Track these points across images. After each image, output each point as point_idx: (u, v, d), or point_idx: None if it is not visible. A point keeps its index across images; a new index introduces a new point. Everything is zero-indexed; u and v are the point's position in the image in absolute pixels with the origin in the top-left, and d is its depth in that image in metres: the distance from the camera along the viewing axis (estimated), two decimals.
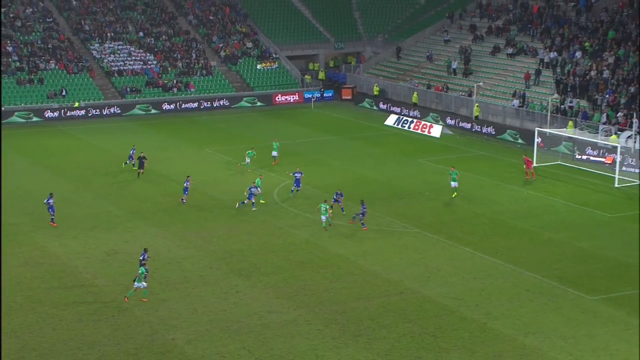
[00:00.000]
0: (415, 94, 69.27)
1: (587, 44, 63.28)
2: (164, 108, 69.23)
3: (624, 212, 40.95)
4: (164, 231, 37.78)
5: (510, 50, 69.23)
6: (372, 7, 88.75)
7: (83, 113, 66.76)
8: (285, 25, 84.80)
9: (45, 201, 38.30)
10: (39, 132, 61.26)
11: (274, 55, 79.24)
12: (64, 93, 67.91)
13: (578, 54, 62.93)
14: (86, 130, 62.16)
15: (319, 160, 52.26)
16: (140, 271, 29.90)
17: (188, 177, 42.49)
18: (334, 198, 40.11)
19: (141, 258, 31.12)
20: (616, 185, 45.69)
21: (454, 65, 71.21)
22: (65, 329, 27.39)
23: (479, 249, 35.34)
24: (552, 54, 64.65)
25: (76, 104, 67.30)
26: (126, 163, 48.97)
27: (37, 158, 52.60)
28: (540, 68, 64.65)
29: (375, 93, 73.47)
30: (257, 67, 77.57)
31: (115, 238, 36.79)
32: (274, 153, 50.03)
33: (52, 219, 38.19)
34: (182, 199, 42.04)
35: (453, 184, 42.45)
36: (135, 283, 29.60)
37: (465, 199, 43.05)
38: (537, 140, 51.81)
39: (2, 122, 63.11)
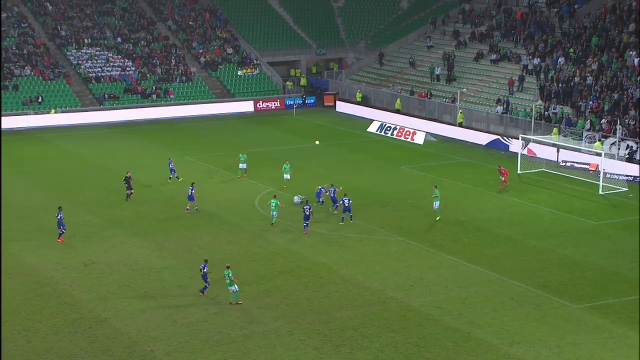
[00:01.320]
0: (398, 100, 69.54)
1: (570, 50, 63.88)
2: (143, 114, 69.02)
3: (609, 220, 41.30)
4: (143, 240, 37.60)
5: (493, 56, 69.73)
6: (354, 12, 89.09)
7: (59, 120, 66.32)
8: (266, 31, 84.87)
9: (56, 215, 37.17)
10: (14, 139, 60.74)
11: (255, 62, 79.27)
12: (40, 100, 67.48)
13: (561, 60, 63.51)
14: (63, 137, 61.78)
15: (300, 167, 52.23)
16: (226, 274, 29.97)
17: (193, 184, 42.52)
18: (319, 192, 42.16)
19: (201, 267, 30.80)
20: (600, 192, 46.07)
21: (437, 71, 71.59)
22: (40, 341, 27.15)
23: (462, 257, 35.48)
24: (536, 60, 65.20)
25: (52, 111, 66.88)
26: (170, 177, 47.64)
27: (12, 166, 52.16)
28: (524, 74, 65.16)
29: (358, 99, 73.69)
30: (238, 73, 77.56)
31: (93, 248, 36.56)
32: (286, 176, 46.14)
33: (61, 234, 37.07)
34: (187, 208, 41.74)
35: (436, 204, 40.59)
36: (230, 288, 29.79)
37: (448, 207, 43.20)
38: (520, 144, 52.14)
39: None
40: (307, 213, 38.17)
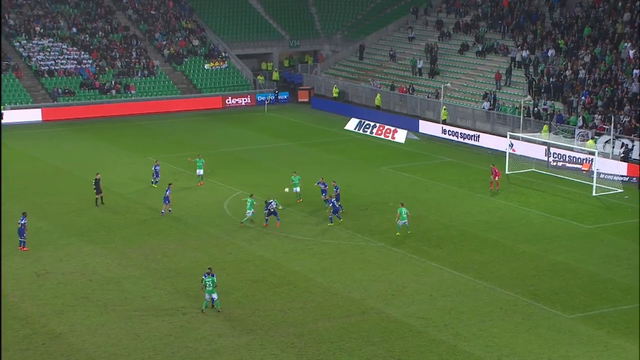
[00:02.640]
0: (378, 96, 69.77)
1: (561, 41, 64.49)
2: (101, 111, 68.56)
3: (603, 223, 41.71)
4: (102, 248, 37.32)
5: (479, 48, 70.20)
6: (330, 1, 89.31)
7: (8, 118, 65.62)
8: (235, 21, 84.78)
9: (19, 221, 36.73)
10: None
11: (223, 54, 79.08)
12: None
13: (552, 52, 64.10)
14: (11, 136, 61.11)
15: (272, 168, 52.21)
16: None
17: (170, 184, 42.54)
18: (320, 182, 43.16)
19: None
20: (594, 194, 46.53)
21: (420, 64, 71.94)
22: None
23: (447, 264, 35.63)
24: (524, 52, 65.75)
25: (1, 108, 66.11)
26: (152, 182, 46.83)
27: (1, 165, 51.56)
28: (512, 67, 65.68)
29: (335, 95, 73.81)
30: (205, 66, 77.34)
31: (47, 256, 36.21)
32: (296, 189, 44.03)
33: (21, 242, 36.67)
34: (163, 211, 41.77)
35: (402, 222, 38.46)
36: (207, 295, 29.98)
37: (432, 210, 43.40)
38: (508, 143, 52.53)
39: None
40: (272, 209, 39.51)
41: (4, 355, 27.12)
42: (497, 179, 47.08)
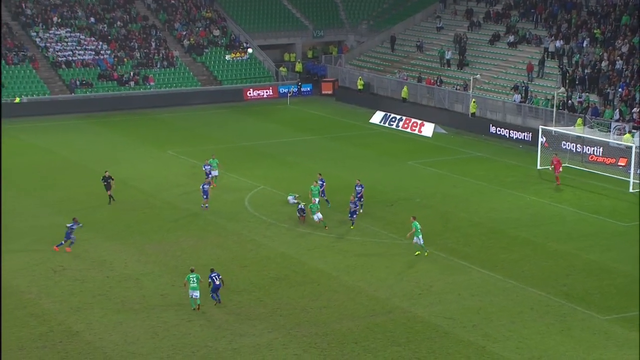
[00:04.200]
0: (405, 88, 69.59)
1: (597, 31, 63.94)
2: (119, 103, 69.05)
3: None
4: (119, 244, 37.61)
5: (511, 39, 69.80)
6: None
7: (25, 110, 66.27)
8: (257, 11, 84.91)
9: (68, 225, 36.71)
10: None
11: (244, 45, 79.27)
12: None
13: (587, 42, 63.57)
14: (29, 129, 61.71)
15: (296, 162, 52.29)
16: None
17: (207, 178, 42.80)
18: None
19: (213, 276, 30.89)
20: (631, 190, 46.15)
21: (448, 55, 71.65)
22: (3, 358, 27.11)
23: (476, 262, 35.53)
24: (558, 43, 65.26)
25: (17, 100, 66.81)
26: (213, 186, 44.97)
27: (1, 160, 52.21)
28: (545, 58, 65.23)
29: (360, 87, 73.75)
30: (226, 57, 77.59)
31: (64, 253, 36.49)
32: (315, 200, 41.31)
33: (62, 243, 36.52)
34: (202, 205, 41.99)
35: (416, 239, 35.96)
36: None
37: (460, 206, 43.27)
38: (541, 139, 52.24)
39: None
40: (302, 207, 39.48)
41: (21, 353, 27.42)
42: (560, 170, 46.84)
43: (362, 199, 41.41)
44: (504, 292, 32.49)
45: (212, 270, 31.04)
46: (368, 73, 75.65)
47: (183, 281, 31.01)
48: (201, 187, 42.44)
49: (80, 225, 36.99)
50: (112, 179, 43.36)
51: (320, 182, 42.53)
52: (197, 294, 30.32)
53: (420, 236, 35.70)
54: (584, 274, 34.39)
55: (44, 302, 31.40)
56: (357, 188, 41.43)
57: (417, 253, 35.93)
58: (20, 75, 69.55)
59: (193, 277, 30.48)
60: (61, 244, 36.57)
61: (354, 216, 39.51)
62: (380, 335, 28.71)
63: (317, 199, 40.86)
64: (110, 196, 43.27)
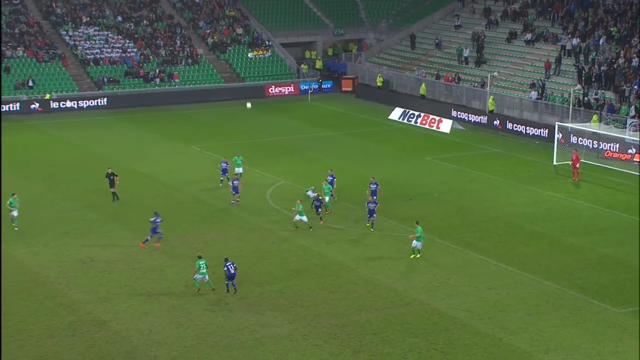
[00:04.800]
0: (423, 85, 69.38)
1: (613, 29, 63.40)
2: (145, 100, 69.36)
3: None
4: (145, 236, 37.71)
5: (528, 37, 69.37)
6: None
7: (55, 106, 66.73)
8: (279, 9, 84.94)
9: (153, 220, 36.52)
10: (4, 126, 61.18)
11: (266, 43, 79.33)
12: (30, 83, 67.83)
13: (603, 40, 63.05)
14: (58, 124, 62.12)
15: (316, 158, 52.30)
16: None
17: (235, 175, 42.63)
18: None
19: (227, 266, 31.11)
20: None
21: (466, 53, 71.35)
22: (34, 346, 27.34)
23: (493, 255, 35.39)
24: (575, 41, 64.77)
25: (47, 96, 67.28)
26: (222, 181, 45.17)
27: (2, 156, 52.52)
28: (562, 56, 64.78)
29: (379, 84, 73.60)
30: (248, 55, 77.69)
31: (91, 244, 36.74)
32: (327, 198, 40.94)
33: (148, 239, 36.20)
34: (237, 200, 41.93)
35: (415, 243, 34.94)
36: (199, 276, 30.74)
37: (478, 201, 43.12)
38: (557, 136, 51.91)
39: None
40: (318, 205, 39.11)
41: (51, 341, 27.65)
42: (578, 165, 46.55)
43: (376, 197, 40.43)
44: (520, 285, 32.34)
45: (226, 260, 31.27)
46: (387, 70, 75.48)
47: (194, 269, 31.36)
48: (230, 183, 42.34)
49: (161, 219, 36.50)
50: (116, 176, 42.62)
51: (331, 178, 42.33)
52: (206, 277, 30.93)
53: (421, 242, 34.71)
54: (599, 268, 34.17)
55: (73, 293, 31.62)
56: (371, 186, 40.82)
57: (412, 256, 34.80)
58: (51, 73, 70.02)
59: (202, 264, 30.95)
60: (147, 240, 36.22)
61: (373, 215, 38.43)
62: (399, 326, 28.68)
63: (327, 198, 40.58)
64: (114, 193, 42.56)
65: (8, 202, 38.16)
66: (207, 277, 31.12)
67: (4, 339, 27.77)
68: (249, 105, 34.91)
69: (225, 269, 30.96)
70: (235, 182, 42.09)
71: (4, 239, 37.19)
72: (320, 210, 39.30)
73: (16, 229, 37.92)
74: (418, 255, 34.77)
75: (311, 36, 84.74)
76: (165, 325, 28.77)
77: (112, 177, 42.48)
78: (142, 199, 43.47)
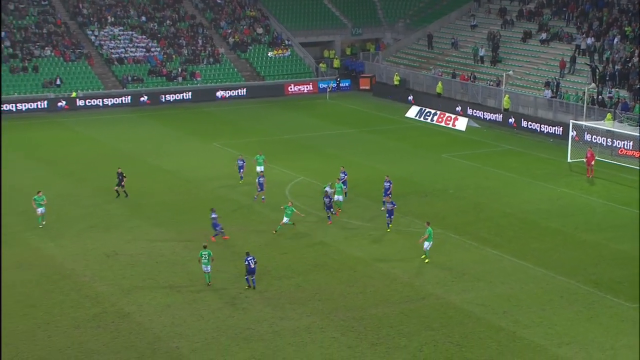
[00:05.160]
0: (439, 84, 69.13)
1: (627, 28, 62.84)
2: (167, 98, 69.59)
3: None
4: (167, 231, 37.91)
5: (543, 36, 68.91)
6: None
7: (81, 103, 67.10)
8: (298, 10, 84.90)
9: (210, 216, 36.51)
10: (32, 124, 61.65)
11: (286, 42, 79.32)
12: (58, 82, 68.23)
13: (617, 40, 62.52)
14: (84, 122, 62.47)
15: (334, 155, 52.26)
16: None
17: (261, 172, 42.50)
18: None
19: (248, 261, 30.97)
20: None
21: (482, 52, 71.00)
22: (61, 336, 27.54)
23: (507, 251, 35.22)
24: (589, 40, 64.27)
25: (73, 94, 67.67)
26: (242, 178, 44.95)
27: (30, 152, 52.94)
28: (576, 55, 64.32)
29: (396, 83, 73.40)
30: (268, 54, 77.72)
31: (115, 238, 36.92)
32: (338, 198, 40.21)
33: (217, 234, 36.17)
34: (262, 198, 41.61)
35: (427, 244, 33.97)
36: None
37: (493, 198, 42.93)
38: (571, 134, 51.56)
39: None
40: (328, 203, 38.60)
41: (77, 332, 27.82)
42: (593, 163, 46.23)
43: (391, 195, 39.93)
44: (534, 280, 32.18)
45: (247, 254, 31.18)
46: (404, 69, 75.26)
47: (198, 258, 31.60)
48: (257, 180, 42.09)
49: (217, 215, 36.49)
50: (125, 177, 42.31)
51: (343, 175, 41.94)
52: (208, 268, 31.01)
53: (431, 242, 33.67)
54: (613, 264, 33.92)
55: (98, 285, 31.79)
56: (385, 184, 40.42)
57: (424, 258, 33.83)
58: (77, 71, 70.39)
59: (205, 254, 31.04)
60: (217, 234, 36.22)
61: (392, 216, 37.51)
62: (415, 320, 28.62)
63: (340, 197, 39.87)
64: (122, 191, 42.32)
65: (33, 199, 38.20)
66: (208, 268, 31.14)
67: (32, 329, 28.00)
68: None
69: (246, 263, 30.97)
70: (261, 179, 41.92)
71: (31, 233, 37.45)
72: (332, 209, 38.78)
73: (40, 226, 37.93)
74: (426, 261, 33.57)
75: (330, 36, 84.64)
76: (186, 318, 28.87)
77: (121, 177, 42.26)
78: (165, 195, 43.64)
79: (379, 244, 36.24)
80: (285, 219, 37.14)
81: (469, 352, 26.40)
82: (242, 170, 45.09)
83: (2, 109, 62.58)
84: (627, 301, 30.08)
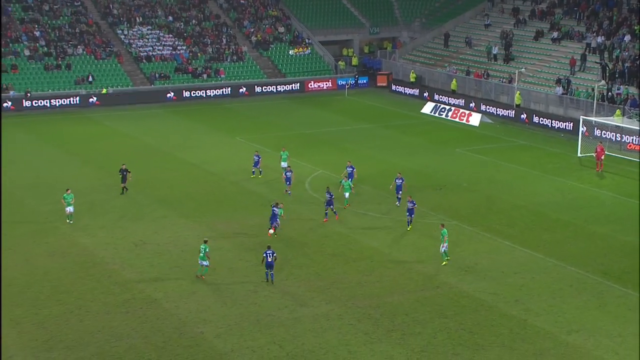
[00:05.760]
0: (454, 81, 68.80)
1: (637, 27, 62.20)
2: (193, 94, 69.75)
3: None
4: (192, 221, 38.05)
5: (554, 35, 68.37)
6: None
7: (110, 99, 67.44)
8: (318, 9, 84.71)
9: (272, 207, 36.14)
10: (65, 118, 62.05)
11: (306, 41, 79.22)
12: (90, 79, 68.61)
13: (627, 38, 61.90)
14: (113, 117, 62.77)
15: (352, 149, 52.20)
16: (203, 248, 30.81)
17: (288, 167, 42.20)
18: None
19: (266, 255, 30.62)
20: None
21: (495, 50, 70.57)
22: (92, 321, 27.78)
23: (518, 242, 35.07)
24: (600, 39, 63.70)
25: (104, 91, 67.99)
26: (253, 172, 44.76)
27: (63, 146, 53.30)
28: (587, 53, 63.75)
29: (412, 80, 73.14)
30: (290, 52, 77.65)
31: (144, 228, 37.13)
32: (346, 194, 39.72)
33: (274, 226, 35.71)
34: (288, 190, 41.43)
35: (443, 246, 32.45)
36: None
37: (505, 191, 42.72)
38: (582, 129, 51.17)
39: (28, 107, 64.32)
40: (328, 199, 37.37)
41: (107, 317, 28.04)
42: (602, 157, 45.84)
43: (401, 193, 39.22)
44: (544, 270, 32.02)
45: (268, 247, 31.03)
46: (420, 67, 74.95)
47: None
48: (284, 175, 41.76)
49: (279, 209, 36.21)
50: (129, 172, 41.52)
51: (350, 169, 41.47)
52: (205, 262, 30.84)
53: (447, 244, 32.29)
54: (621, 254, 33.68)
55: (127, 273, 32.00)
56: (397, 181, 39.56)
57: (444, 263, 32.33)
58: (107, 69, 70.68)
59: (202, 248, 30.94)
60: (274, 225, 35.93)
61: (412, 215, 36.37)
62: (429, 307, 28.58)
63: (347, 194, 39.25)
64: (125, 188, 41.52)
65: (63, 198, 37.46)
66: (204, 262, 30.83)
67: (65, 314, 28.26)
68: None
69: (264, 255, 30.85)
70: (288, 173, 41.68)
71: (64, 223, 37.66)
72: (332, 205, 37.53)
73: (69, 222, 37.28)
74: (444, 263, 32.22)
75: (348, 34, 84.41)
76: (211, 304, 29.00)
77: (125, 173, 41.44)
78: (190, 187, 43.79)
79: (394, 235, 36.19)
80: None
81: (481, 338, 26.34)
82: (257, 166, 44.70)
83: (1, 107, 62.42)
84: (635, 290, 29.87)
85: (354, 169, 41.80)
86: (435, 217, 38.27)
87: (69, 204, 37.32)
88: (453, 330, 26.88)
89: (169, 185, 44.05)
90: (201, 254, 31.06)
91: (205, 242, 31.34)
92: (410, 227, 36.45)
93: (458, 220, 37.84)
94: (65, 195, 37.53)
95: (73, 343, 26.23)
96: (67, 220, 37.48)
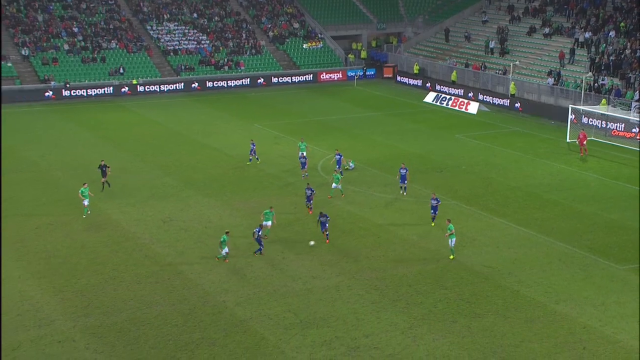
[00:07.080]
0: (454, 73, 68.35)
1: (621, 24, 61.52)
2: (215, 85, 69.63)
3: None
4: (215, 200, 38.10)
5: (546, 31, 67.73)
6: None
7: (141, 89, 67.46)
8: (330, 7, 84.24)
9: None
10: (99, 107, 62.14)
11: (319, 36, 78.82)
12: (122, 71, 68.59)
13: (612, 34, 61.25)
14: (143, 105, 62.81)
15: (361, 135, 52.05)
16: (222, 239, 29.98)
17: (303, 153, 41.47)
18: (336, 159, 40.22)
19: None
20: None
21: (491, 44, 70.03)
22: (125, 290, 27.93)
23: (512, 220, 34.92)
24: (587, 34, 63.06)
25: (134, 81, 68.00)
26: (250, 160, 44.04)
27: (98, 131, 53.42)
28: (575, 47, 63.15)
29: (416, 71, 72.72)
30: (303, 46, 77.30)
31: (171, 206, 37.21)
32: (336, 185, 37.94)
33: (309, 206, 34.71)
34: (305, 174, 40.85)
35: (452, 241, 30.47)
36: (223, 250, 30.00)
37: (499, 173, 42.52)
38: (570, 117, 50.76)
39: (67, 97, 64.44)
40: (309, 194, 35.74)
41: (138, 286, 28.16)
42: (585, 143, 45.47)
43: (406, 182, 37.94)
44: (536, 245, 31.90)
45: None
46: (423, 59, 74.47)
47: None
48: (300, 160, 41.53)
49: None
50: (108, 167, 38.99)
51: (338, 157, 40.58)
52: (225, 250, 29.88)
53: (454, 239, 30.28)
54: (605, 231, 33.51)
55: (155, 246, 32.11)
56: (401, 171, 38.21)
57: (451, 257, 30.51)
58: (138, 62, 70.64)
59: (223, 238, 30.00)
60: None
61: (436, 212, 33.92)
62: (430, 279, 28.55)
63: (339, 185, 37.52)
64: (105, 183, 38.84)
65: (80, 192, 35.67)
66: (224, 250, 29.90)
67: (101, 283, 28.42)
68: (311, 243, 30.52)
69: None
70: (302, 159, 41.36)
71: (99, 201, 37.78)
72: (311, 201, 35.63)
73: (84, 216, 35.52)
74: (451, 257, 30.33)
75: (357, 30, 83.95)
76: (231, 276, 29.08)
77: (104, 169, 38.84)
78: (213, 169, 43.80)
79: (400, 214, 36.11)
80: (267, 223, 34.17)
81: (478, 307, 26.31)
82: (253, 153, 43.92)
83: (1, 105, 61.98)
84: (617, 264, 29.76)
85: (341, 156, 40.91)
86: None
87: (86, 197, 35.37)
88: (452, 300, 26.85)
89: (193, 167, 44.08)
90: (223, 242, 29.86)
91: (227, 233, 30.46)
92: (433, 223, 34.10)
93: (457, 200, 37.71)
94: (82, 189, 35.47)
95: (108, 309, 26.41)
96: (86, 212, 35.41)
